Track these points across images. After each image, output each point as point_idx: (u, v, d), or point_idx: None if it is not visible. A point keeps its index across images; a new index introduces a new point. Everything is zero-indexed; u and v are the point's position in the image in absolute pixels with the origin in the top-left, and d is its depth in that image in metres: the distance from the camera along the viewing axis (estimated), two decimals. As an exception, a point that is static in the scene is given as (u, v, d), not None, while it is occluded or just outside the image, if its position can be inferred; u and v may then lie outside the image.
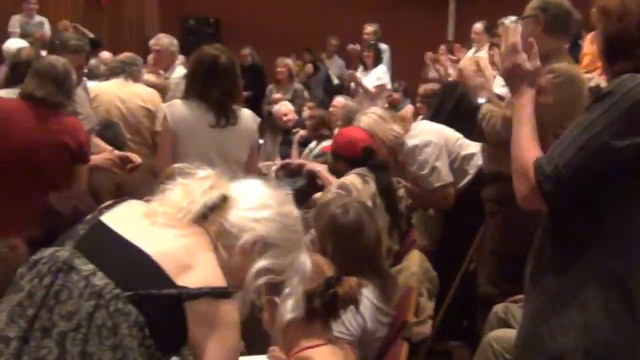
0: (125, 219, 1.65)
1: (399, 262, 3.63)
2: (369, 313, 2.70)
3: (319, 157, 6.18)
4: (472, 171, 4.21)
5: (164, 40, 6.06)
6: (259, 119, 3.74)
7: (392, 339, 2.77)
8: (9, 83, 4.25)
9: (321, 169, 4.24)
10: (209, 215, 1.66)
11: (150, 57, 6.05)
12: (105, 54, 7.67)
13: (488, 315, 3.16)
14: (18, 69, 4.15)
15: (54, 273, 1.51)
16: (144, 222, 1.63)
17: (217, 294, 1.55)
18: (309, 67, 9.90)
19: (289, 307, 1.78)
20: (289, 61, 8.45)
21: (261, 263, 1.67)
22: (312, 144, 6.60)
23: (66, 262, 1.52)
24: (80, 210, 2.65)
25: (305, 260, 1.77)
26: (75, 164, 3.59)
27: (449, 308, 3.98)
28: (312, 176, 4.43)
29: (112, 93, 4.83)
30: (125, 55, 5.15)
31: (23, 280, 1.54)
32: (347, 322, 2.59)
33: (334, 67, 10.20)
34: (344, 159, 3.84)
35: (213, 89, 3.43)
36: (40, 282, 1.51)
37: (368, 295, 2.69)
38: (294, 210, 1.76)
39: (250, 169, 3.63)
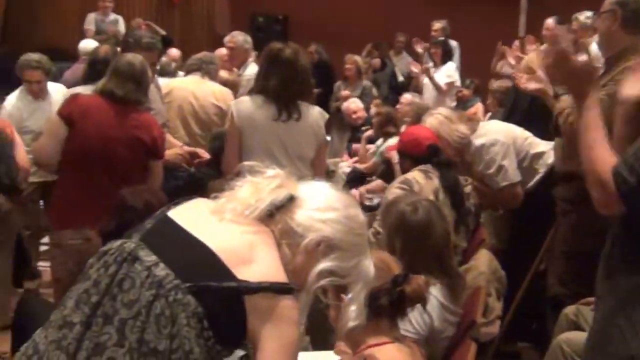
0: (192, 215, 1.68)
1: (467, 261, 3.60)
2: (436, 312, 2.68)
3: (385, 155, 6.18)
4: (542, 170, 4.14)
5: (238, 37, 6.14)
6: (327, 116, 3.75)
7: (459, 338, 2.74)
8: (86, 80, 4.38)
9: None
10: (276, 214, 1.68)
11: (223, 54, 6.13)
12: (174, 52, 7.80)
13: (558, 317, 3.10)
14: (95, 67, 4.27)
15: (119, 263, 1.56)
16: (210, 218, 1.66)
17: (276, 289, 1.57)
18: (377, 63, 9.87)
19: (352, 315, 1.76)
20: (357, 58, 8.43)
21: (324, 264, 1.67)
22: (379, 142, 6.59)
23: (131, 253, 1.57)
24: (153, 205, 2.71)
25: (370, 266, 1.76)
26: (149, 159, 3.68)
27: (518, 309, 3.92)
28: None
29: (187, 89, 4.91)
30: (203, 53, 5.21)
31: (92, 269, 1.60)
32: (414, 321, 2.59)
33: (401, 63, 10.14)
34: (409, 157, 3.86)
35: (273, 81, 3.52)
36: (106, 272, 1.56)
37: (436, 294, 2.68)
38: (360, 215, 1.76)
39: (317, 165, 3.66)
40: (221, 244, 1.59)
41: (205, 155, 4.19)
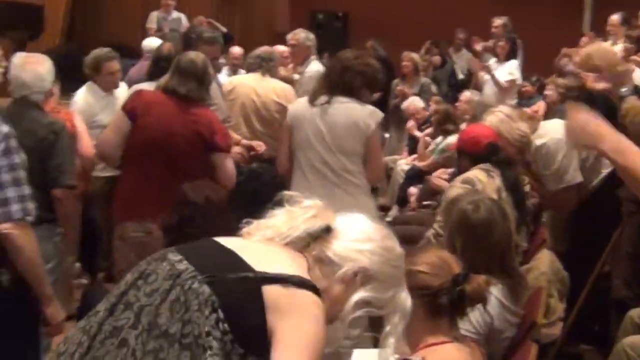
0: (225, 237, 1.73)
1: (528, 261, 3.55)
2: (496, 312, 2.65)
3: (444, 153, 6.14)
4: (605, 170, 4.04)
5: (300, 34, 6.15)
6: (380, 114, 3.74)
7: (520, 339, 2.71)
8: (150, 76, 4.46)
9: None
10: (311, 244, 1.69)
11: (282, 51, 6.15)
12: (236, 49, 7.86)
13: (622, 319, 3.03)
14: (159, 64, 4.34)
15: (148, 262, 1.64)
16: (240, 239, 1.72)
17: (296, 282, 1.57)
18: (436, 61, 9.78)
19: (390, 347, 1.74)
20: (414, 55, 8.38)
21: (361, 295, 1.68)
22: (438, 139, 6.55)
23: (162, 254, 1.65)
24: (213, 201, 2.75)
25: (407, 298, 1.76)
26: (210, 154, 3.72)
27: (581, 310, 3.84)
28: None
29: (249, 87, 4.95)
30: (263, 50, 5.19)
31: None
32: (474, 320, 2.56)
33: (461, 61, 10.03)
34: (468, 156, 3.82)
35: (326, 81, 3.70)
36: (137, 269, 1.64)
37: (497, 294, 2.64)
38: (397, 247, 1.77)
39: (370, 162, 3.67)
40: (246, 249, 1.63)
41: (261, 147, 4.22)
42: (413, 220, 5.30)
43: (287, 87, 5.11)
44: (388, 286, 1.72)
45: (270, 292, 1.54)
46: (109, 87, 5.17)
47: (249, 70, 5.20)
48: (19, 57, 3.63)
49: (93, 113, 5.04)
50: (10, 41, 8.86)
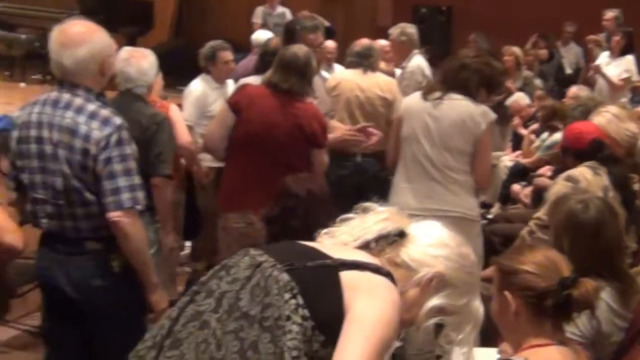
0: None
1: (638, 263, 3.41)
2: (605, 316, 2.57)
3: (550, 149, 5.97)
4: None
5: (395, 30, 6.13)
6: (492, 115, 3.67)
7: (628, 344, 2.61)
8: (257, 71, 4.54)
9: None
10: (386, 248, 1.70)
11: (383, 46, 6.12)
12: (330, 43, 7.84)
13: None
14: (265, 58, 4.41)
15: (231, 257, 1.69)
16: (314, 243, 1.74)
17: (373, 268, 1.59)
18: (544, 54, 9.51)
19: (461, 357, 1.74)
20: (516, 49, 8.20)
21: (436, 301, 1.69)
22: (544, 135, 6.39)
23: (244, 251, 1.68)
24: (315, 194, 2.77)
25: (479, 307, 1.76)
26: (311, 148, 3.75)
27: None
28: None
29: (353, 82, 4.96)
30: (361, 45, 5.14)
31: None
32: (581, 324, 2.49)
33: (569, 54, 9.72)
34: (572, 153, 3.76)
35: (442, 77, 3.73)
36: (221, 264, 1.69)
37: (605, 297, 2.56)
38: (471, 254, 1.77)
39: (477, 163, 3.63)
40: (323, 246, 1.68)
41: (374, 130, 4.20)
42: (516, 217, 5.19)
43: (391, 81, 5.09)
44: (462, 292, 1.72)
45: (348, 276, 1.56)
46: (222, 77, 5.34)
47: (349, 68, 5.18)
48: (124, 52, 3.78)
49: (207, 103, 5.21)
50: (122, 36, 9.19)
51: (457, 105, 3.59)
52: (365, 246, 1.70)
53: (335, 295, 1.54)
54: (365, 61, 5.03)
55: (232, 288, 1.57)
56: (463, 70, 3.61)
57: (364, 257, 1.64)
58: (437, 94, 3.62)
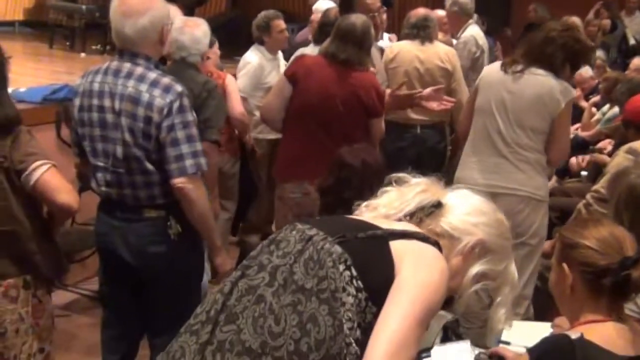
0: None
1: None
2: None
3: (610, 122, 5.83)
4: None
5: (460, 0, 6.02)
6: (572, 93, 3.58)
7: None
8: (315, 41, 4.53)
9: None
10: (425, 219, 1.71)
11: (441, 16, 6.03)
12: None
13: None
14: (324, 29, 4.37)
15: (279, 232, 1.69)
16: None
17: (421, 237, 1.61)
18: (606, 25, 9.23)
19: (501, 318, 1.77)
20: (576, 19, 7.88)
21: (479, 267, 1.71)
22: (605, 108, 6.24)
23: (291, 225, 1.69)
24: (370, 165, 2.76)
25: (514, 270, 1.79)
26: (369, 118, 3.73)
27: None
28: None
29: (412, 53, 4.88)
30: (416, 17, 5.02)
31: None
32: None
33: (634, 24, 9.41)
34: (633, 126, 3.66)
35: (525, 50, 3.59)
36: (268, 238, 1.70)
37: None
38: (505, 220, 1.79)
39: (554, 142, 3.54)
40: (367, 218, 1.71)
41: (445, 97, 4.11)
42: (573, 191, 5.09)
43: (450, 51, 5.00)
44: (502, 257, 1.75)
45: (397, 245, 1.57)
46: (277, 47, 5.35)
47: (406, 39, 5.05)
48: (178, 21, 3.81)
49: (263, 75, 5.22)
50: (180, 6, 9.23)
51: (537, 81, 3.48)
52: (404, 218, 1.71)
53: (387, 265, 1.55)
54: (422, 32, 4.92)
55: (284, 262, 1.58)
56: (549, 44, 3.48)
57: (409, 227, 1.65)
58: (519, 67, 3.51)
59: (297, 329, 1.49)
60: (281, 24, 5.34)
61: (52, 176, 2.58)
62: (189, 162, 2.74)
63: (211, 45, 4.12)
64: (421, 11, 5.11)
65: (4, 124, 2.57)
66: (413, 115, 4.76)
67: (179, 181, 2.74)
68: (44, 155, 2.60)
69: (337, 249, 1.55)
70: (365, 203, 1.79)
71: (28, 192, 2.59)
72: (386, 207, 1.75)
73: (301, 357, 1.46)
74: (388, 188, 1.80)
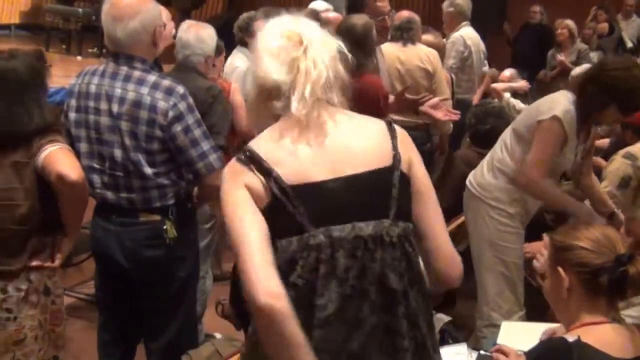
0: None
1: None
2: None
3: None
4: None
5: (456, 1, 6.05)
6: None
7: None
8: None
9: None
10: None
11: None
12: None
13: None
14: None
15: None
16: None
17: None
18: (603, 28, 9.24)
19: None
20: (569, 22, 8.02)
21: None
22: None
23: None
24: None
25: None
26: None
27: None
28: None
29: (393, 55, 4.89)
30: (401, 19, 5.03)
31: None
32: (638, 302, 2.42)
33: (631, 28, 9.43)
34: (630, 128, 3.77)
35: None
36: None
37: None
38: None
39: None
40: None
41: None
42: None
43: (431, 53, 4.99)
44: None
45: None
46: None
47: (391, 42, 5.07)
48: (186, 23, 3.86)
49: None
50: (176, 10, 9.25)
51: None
52: None
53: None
54: (405, 34, 4.96)
55: None
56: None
57: None
58: None
59: None
60: (261, 25, 5.24)
61: (60, 151, 2.61)
62: (212, 157, 2.78)
63: (219, 53, 4.10)
64: (405, 14, 5.17)
65: (42, 128, 2.61)
66: (394, 116, 4.72)
67: (211, 179, 2.75)
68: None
69: None
70: None
71: (46, 182, 2.61)
72: None
73: None
74: None
